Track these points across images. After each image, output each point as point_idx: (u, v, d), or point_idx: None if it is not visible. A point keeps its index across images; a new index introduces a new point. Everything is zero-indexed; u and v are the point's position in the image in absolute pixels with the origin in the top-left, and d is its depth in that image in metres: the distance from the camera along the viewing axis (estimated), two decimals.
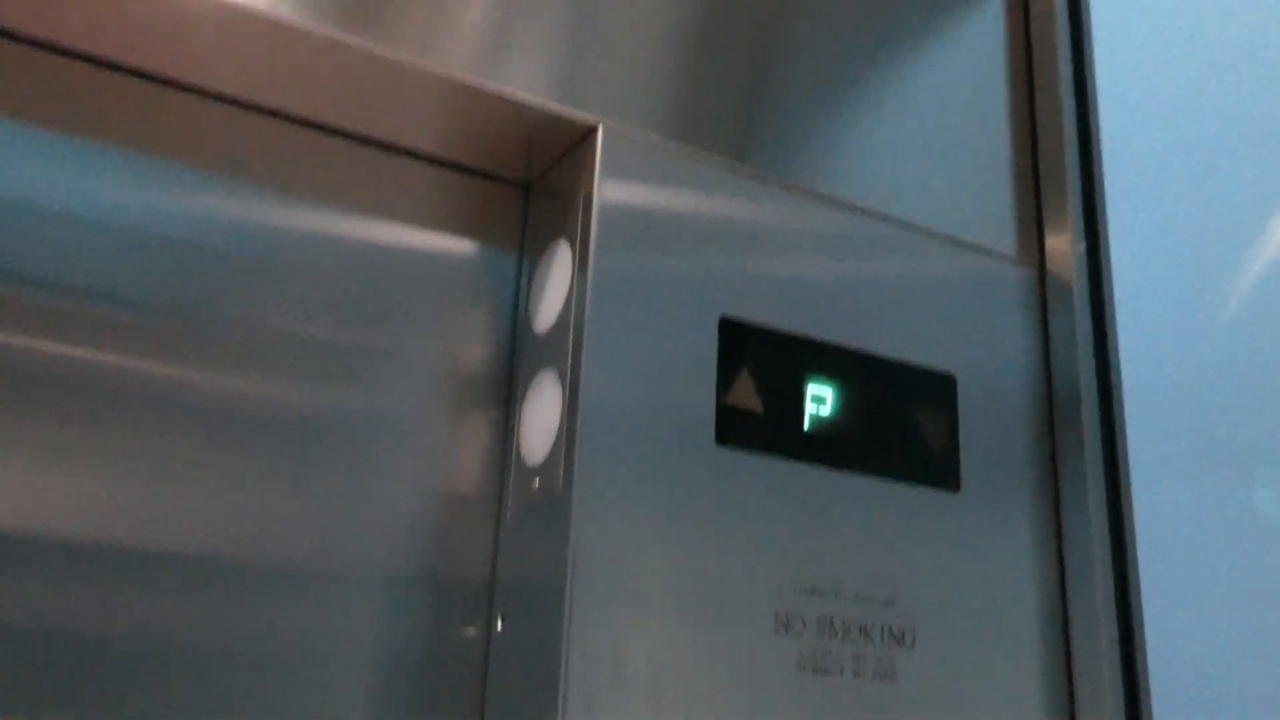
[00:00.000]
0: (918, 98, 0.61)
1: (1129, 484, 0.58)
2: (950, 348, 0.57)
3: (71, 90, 0.48)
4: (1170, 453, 0.60)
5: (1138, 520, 0.57)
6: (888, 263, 0.56)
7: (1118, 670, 0.54)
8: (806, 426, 0.51)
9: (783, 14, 0.58)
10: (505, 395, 0.53)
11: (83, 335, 0.46)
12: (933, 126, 0.61)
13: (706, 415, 0.49)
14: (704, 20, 0.55)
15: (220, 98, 0.50)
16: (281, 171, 0.51)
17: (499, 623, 0.49)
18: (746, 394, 0.50)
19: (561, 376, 0.48)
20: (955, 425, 0.56)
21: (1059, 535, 0.57)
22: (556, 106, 0.50)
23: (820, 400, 0.52)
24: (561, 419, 0.47)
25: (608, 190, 0.49)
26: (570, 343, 0.48)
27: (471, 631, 0.50)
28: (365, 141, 0.53)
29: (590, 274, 0.48)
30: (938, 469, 0.54)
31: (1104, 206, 0.63)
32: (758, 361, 0.51)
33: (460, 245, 0.54)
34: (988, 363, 0.58)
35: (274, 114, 0.51)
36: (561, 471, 0.46)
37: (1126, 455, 0.58)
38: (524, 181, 0.56)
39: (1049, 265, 0.62)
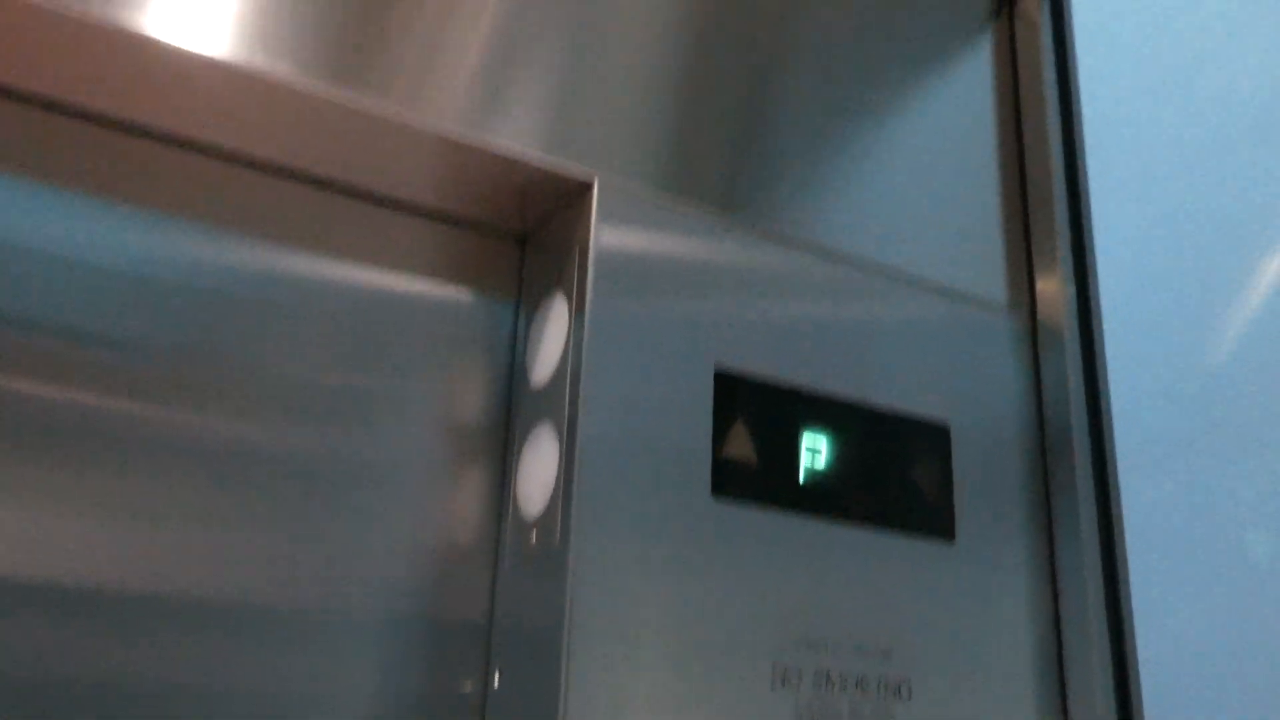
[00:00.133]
0: (907, 147, 0.62)
1: (1123, 528, 0.58)
2: (943, 396, 0.57)
3: (80, 149, 0.48)
4: (1162, 496, 0.61)
5: (1131, 565, 0.57)
6: (880, 312, 0.57)
7: (1114, 717, 0.54)
8: (802, 478, 0.52)
9: (773, 67, 0.59)
10: (502, 447, 0.53)
11: (84, 382, 0.46)
12: (922, 175, 0.62)
13: (703, 467, 0.49)
14: (695, 73, 0.56)
15: (219, 154, 0.51)
16: (281, 226, 0.51)
17: (496, 677, 0.49)
18: (742, 445, 0.50)
19: (559, 430, 0.48)
20: (950, 475, 0.56)
21: (1054, 581, 0.57)
22: (552, 161, 0.50)
23: (815, 451, 0.52)
24: (559, 472, 0.47)
25: (603, 243, 0.50)
26: (567, 396, 0.48)
27: (469, 685, 0.50)
28: (362, 196, 0.54)
29: (587, 326, 0.48)
30: (933, 519, 0.55)
31: (1093, 250, 0.63)
32: (752, 413, 0.51)
33: (457, 297, 0.55)
34: (981, 410, 0.58)
35: (272, 169, 0.52)
36: (559, 525, 0.46)
37: (1119, 498, 0.58)
38: (520, 234, 0.57)
39: (1040, 310, 0.63)
